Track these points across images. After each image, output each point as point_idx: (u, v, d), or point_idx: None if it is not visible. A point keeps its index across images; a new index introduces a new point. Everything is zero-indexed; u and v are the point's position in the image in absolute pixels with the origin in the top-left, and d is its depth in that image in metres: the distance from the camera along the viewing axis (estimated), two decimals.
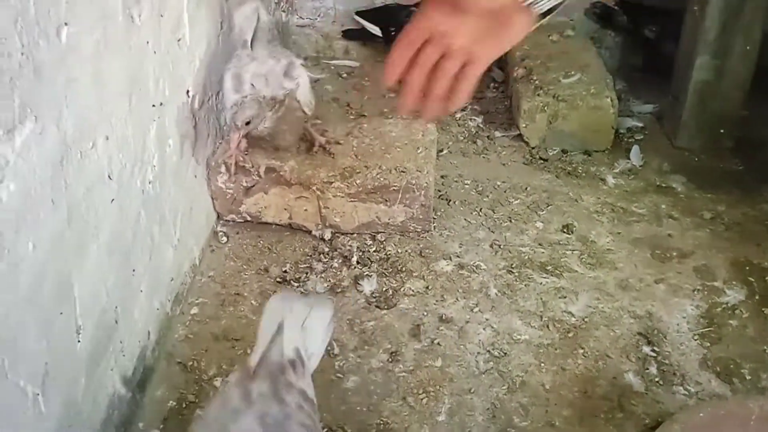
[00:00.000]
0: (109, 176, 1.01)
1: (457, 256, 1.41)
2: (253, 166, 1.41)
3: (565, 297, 1.32)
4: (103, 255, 1.02)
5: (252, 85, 1.32)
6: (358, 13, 1.96)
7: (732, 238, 1.44)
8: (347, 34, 2.02)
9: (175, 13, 1.23)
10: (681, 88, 1.64)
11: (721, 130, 1.65)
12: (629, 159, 1.66)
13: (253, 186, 1.42)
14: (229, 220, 1.47)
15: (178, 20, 1.25)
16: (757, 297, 1.31)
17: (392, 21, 1.89)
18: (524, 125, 1.69)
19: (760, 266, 1.37)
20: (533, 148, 1.70)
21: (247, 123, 1.30)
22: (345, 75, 2.03)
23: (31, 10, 0.78)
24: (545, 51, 1.81)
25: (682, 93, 1.63)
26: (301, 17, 2.03)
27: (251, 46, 1.41)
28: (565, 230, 1.47)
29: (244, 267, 1.38)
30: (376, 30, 1.92)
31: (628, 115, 1.80)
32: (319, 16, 2.03)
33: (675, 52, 1.70)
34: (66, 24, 0.87)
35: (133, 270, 1.11)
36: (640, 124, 1.77)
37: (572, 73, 1.69)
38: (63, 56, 0.86)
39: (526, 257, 1.41)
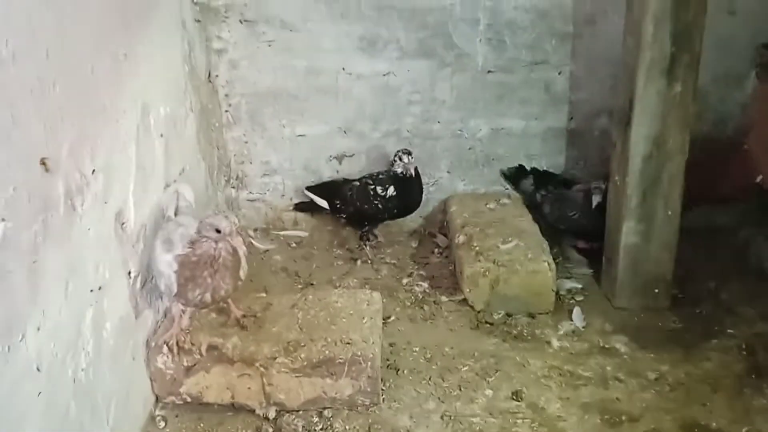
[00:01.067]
0: (37, 368, 0.98)
1: (408, 431, 1.37)
2: (194, 345, 1.38)
3: None
4: None
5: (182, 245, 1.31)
6: (308, 188, 2.05)
7: (678, 398, 1.44)
8: (299, 207, 2.10)
9: (119, 198, 1.26)
10: (613, 251, 1.72)
11: (656, 290, 1.71)
12: (572, 320, 1.69)
13: (194, 365, 1.38)
14: (168, 403, 1.41)
15: (123, 205, 1.28)
16: None
17: (337, 194, 1.98)
18: (468, 290, 1.73)
19: (708, 427, 1.36)
20: (479, 312, 1.73)
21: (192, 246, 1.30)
22: (294, 245, 2.08)
23: None
24: (483, 218, 1.90)
25: (614, 255, 1.71)
26: (251, 192, 2.11)
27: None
28: (514, 397, 1.45)
29: None
30: (323, 203, 2.00)
31: (567, 276, 1.86)
32: (268, 191, 2.10)
33: (555, 217, 1.90)
34: (3, 220, 0.89)
35: None
36: (580, 285, 1.82)
37: (510, 239, 1.77)
38: None
39: (478, 428, 1.37)
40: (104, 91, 1.20)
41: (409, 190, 1.91)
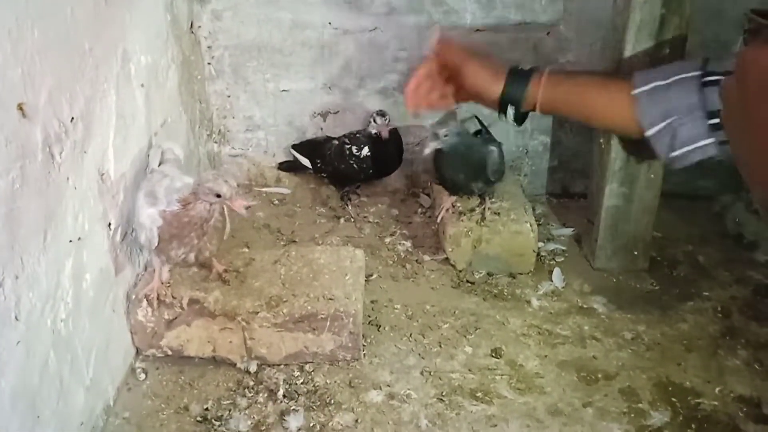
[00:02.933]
0: (16, 317, 0.97)
1: (388, 386, 1.39)
2: (175, 298, 1.38)
3: (496, 425, 1.30)
4: (5, 401, 0.95)
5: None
6: (294, 147, 2.02)
7: (653, 358, 1.47)
8: (282, 166, 2.08)
9: (99, 149, 1.24)
10: (594, 213, 1.73)
11: (635, 252, 1.73)
12: (552, 281, 1.71)
13: (175, 318, 1.38)
14: (148, 356, 1.41)
15: (103, 156, 1.26)
16: (680, 418, 1.32)
17: (318, 153, 1.96)
18: (450, 249, 1.73)
19: (682, 386, 1.40)
20: (460, 271, 1.74)
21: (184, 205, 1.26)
22: (276, 202, 2.06)
23: None
24: None
25: (596, 218, 1.72)
26: (233, 147, 2.08)
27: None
28: (493, 354, 1.48)
29: (163, 406, 1.31)
30: (306, 162, 1.98)
31: (549, 238, 1.87)
32: (251, 146, 2.08)
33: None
34: None
35: (38, 416, 1.04)
36: (561, 247, 1.84)
37: (493, 200, 1.77)
38: None
39: (457, 384, 1.39)
40: (84, 36, 1.16)
41: (384, 151, 1.89)
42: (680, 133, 1.19)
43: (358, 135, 1.92)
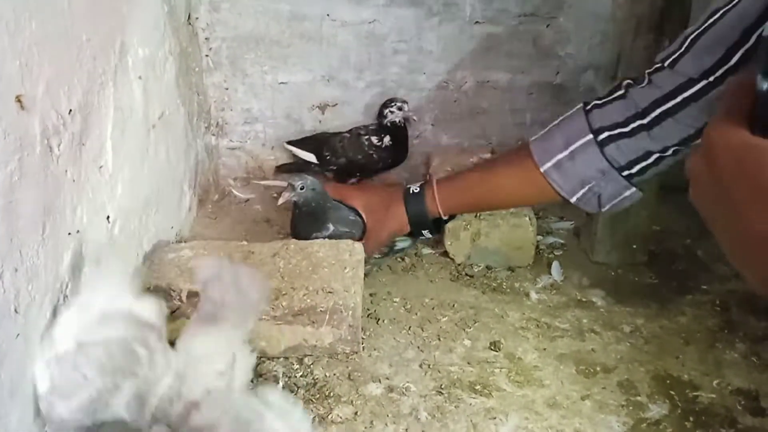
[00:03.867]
0: (15, 310, 0.97)
1: (387, 378, 1.39)
2: (174, 291, 1.38)
3: (494, 418, 1.30)
4: (4, 395, 0.95)
5: None
6: (289, 143, 1.99)
7: (652, 351, 1.47)
8: (282, 169, 2.04)
9: (97, 141, 1.23)
10: None
11: (634, 246, 1.74)
12: (551, 274, 1.71)
13: (175, 311, 1.38)
14: None
15: (101, 148, 1.25)
16: (679, 411, 1.33)
17: (326, 146, 1.94)
18: (449, 242, 1.73)
19: (680, 379, 1.40)
20: (459, 264, 1.74)
21: None
22: (275, 195, 2.05)
23: None
24: None
25: None
26: (231, 140, 2.07)
27: None
28: (492, 347, 1.48)
29: None
30: (311, 157, 1.95)
31: (548, 231, 1.87)
32: (249, 139, 2.07)
33: None
34: None
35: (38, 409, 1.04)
36: (560, 241, 1.84)
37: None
38: None
39: (456, 377, 1.40)
40: (81, 28, 1.15)
41: (402, 139, 1.91)
42: (603, 193, 1.26)
43: (372, 126, 1.91)
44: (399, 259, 1.77)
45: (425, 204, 1.31)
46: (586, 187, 1.24)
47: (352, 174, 1.99)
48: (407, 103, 1.88)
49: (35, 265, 1.02)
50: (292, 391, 1.34)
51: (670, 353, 1.47)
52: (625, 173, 1.21)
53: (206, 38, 1.94)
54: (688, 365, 1.44)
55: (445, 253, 1.76)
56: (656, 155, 1.20)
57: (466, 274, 1.71)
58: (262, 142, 2.08)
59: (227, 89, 2.00)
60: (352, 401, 1.33)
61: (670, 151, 1.19)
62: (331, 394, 1.34)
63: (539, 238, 1.79)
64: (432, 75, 2.00)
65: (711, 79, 1.07)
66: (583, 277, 1.71)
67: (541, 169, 1.24)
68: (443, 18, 1.93)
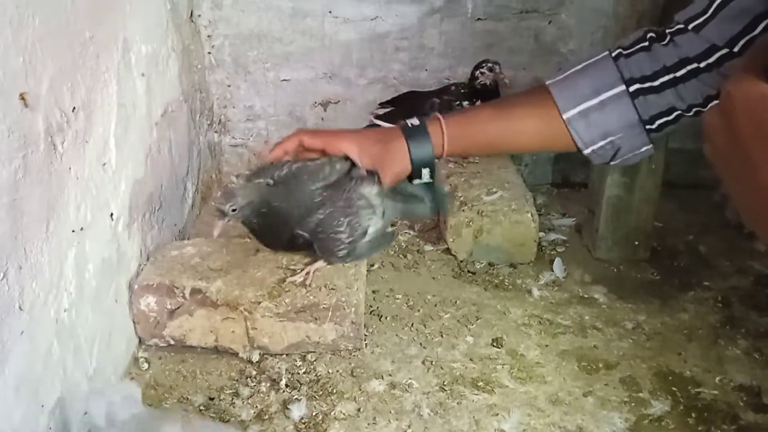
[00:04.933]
0: (19, 307, 0.97)
1: (389, 375, 1.39)
2: (177, 288, 1.38)
3: (497, 414, 1.30)
4: (9, 391, 0.96)
5: None
6: (377, 117, 1.89)
7: (654, 347, 1.47)
8: None
9: (101, 138, 1.23)
10: (595, 203, 1.73)
11: (636, 242, 1.74)
12: (553, 271, 1.71)
13: (178, 308, 1.38)
14: (151, 345, 1.42)
15: (104, 145, 1.25)
16: (681, 407, 1.33)
17: (416, 112, 1.78)
18: (451, 239, 1.73)
19: (682, 375, 1.40)
20: (461, 261, 1.74)
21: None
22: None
23: None
24: (469, 169, 1.89)
25: (597, 207, 1.72)
26: (234, 137, 2.07)
27: None
28: (494, 344, 1.48)
29: (166, 395, 1.31)
30: None
31: (550, 228, 1.87)
32: (251, 136, 2.07)
33: None
34: None
35: (42, 405, 1.04)
36: (562, 237, 1.84)
37: (494, 190, 1.77)
38: None
39: (458, 373, 1.40)
40: (84, 25, 1.15)
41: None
42: (622, 148, 1.19)
43: (462, 90, 1.84)
44: (401, 256, 1.77)
45: (429, 139, 1.20)
46: (608, 140, 1.17)
47: None
48: (499, 64, 1.82)
49: (39, 262, 1.02)
50: (295, 388, 1.34)
51: (672, 349, 1.47)
52: (649, 127, 1.16)
53: (209, 35, 1.94)
54: (690, 361, 1.44)
55: (448, 250, 1.76)
56: (677, 113, 1.17)
57: (469, 271, 1.72)
58: (264, 139, 2.08)
59: (230, 86, 2.01)
60: (355, 398, 1.33)
61: (692, 111, 1.17)
62: (334, 390, 1.35)
63: (541, 234, 1.79)
64: (434, 71, 2.00)
65: (735, 49, 1.06)
66: (585, 273, 1.71)
67: (564, 116, 1.17)
68: (445, 14, 1.93)
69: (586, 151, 1.22)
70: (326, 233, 1.18)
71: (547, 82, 1.18)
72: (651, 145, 1.18)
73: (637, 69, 1.17)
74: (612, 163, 1.23)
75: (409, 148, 1.17)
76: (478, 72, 1.83)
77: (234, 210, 1.15)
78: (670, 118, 1.19)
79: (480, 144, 1.25)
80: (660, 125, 1.19)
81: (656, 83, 1.14)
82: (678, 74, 1.13)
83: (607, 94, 1.17)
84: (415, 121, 1.20)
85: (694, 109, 1.16)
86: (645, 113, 1.15)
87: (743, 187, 0.51)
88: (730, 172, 0.52)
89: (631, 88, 1.16)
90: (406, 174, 1.24)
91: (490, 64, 1.81)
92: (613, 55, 1.20)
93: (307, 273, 1.42)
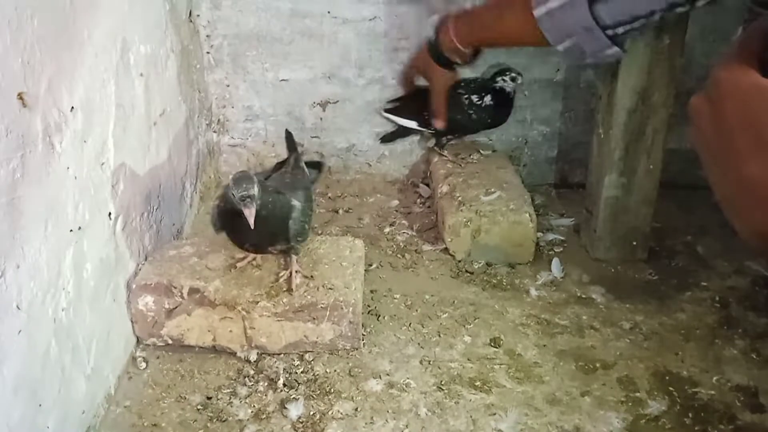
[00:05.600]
0: (17, 306, 0.97)
1: (387, 374, 1.40)
2: (176, 287, 1.38)
3: (494, 414, 1.31)
4: (7, 391, 0.96)
5: None
6: (387, 111, 1.88)
7: (651, 347, 1.48)
8: (385, 139, 1.96)
9: (99, 138, 1.24)
10: (593, 203, 1.74)
11: (634, 242, 1.74)
12: (551, 271, 1.71)
13: (176, 308, 1.39)
14: (149, 345, 1.42)
15: (103, 145, 1.26)
16: (678, 407, 1.33)
17: (427, 106, 1.73)
18: (450, 239, 1.74)
19: (679, 375, 1.41)
20: (459, 261, 1.74)
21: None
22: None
23: None
24: (467, 169, 1.89)
25: (595, 208, 1.72)
26: (232, 137, 2.08)
27: None
28: (492, 344, 1.48)
29: (164, 395, 1.32)
30: (412, 123, 1.85)
31: (548, 228, 1.88)
32: (250, 136, 2.07)
33: None
34: None
35: (40, 404, 1.04)
36: (560, 237, 1.84)
37: (492, 190, 1.77)
38: None
39: (456, 373, 1.40)
40: (82, 25, 1.16)
41: (505, 103, 1.84)
42: (586, 48, 1.26)
43: (472, 84, 1.84)
44: (399, 256, 1.78)
45: (439, 31, 1.45)
46: (571, 40, 1.24)
47: (450, 132, 1.89)
48: (521, 76, 1.83)
49: (37, 261, 1.02)
50: (293, 387, 1.34)
51: (669, 350, 1.47)
52: (610, 32, 1.20)
53: (207, 35, 1.94)
54: (688, 362, 1.44)
55: (446, 250, 1.77)
56: (642, 20, 1.20)
57: (467, 271, 1.72)
58: (263, 139, 2.08)
59: (228, 86, 2.01)
60: (352, 397, 1.34)
61: (656, 16, 1.20)
62: (332, 390, 1.35)
63: (539, 234, 1.79)
64: None
65: None
66: (583, 273, 1.71)
67: (534, 13, 1.24)
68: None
69: (559, 48, 1.29)
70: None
71: None
72: (616, 48, 1.22)
73: None
74: (588, 61, 1.29)
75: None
76: (500, 78, 1.83)
77: (258, 193, 1.22)
78: (635, 26, 1.22)
79: (481, 36, 1.39)
80: (626, 32, 1.22)
81: None
82: None
83: None
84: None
85: (659, 14, 1.18)
86: (606, 19, 1.19)
87: (725, 176, 0.49)
88: (712, 159, 0.51)
89: None
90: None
91: (513, 74, 1.82)
92: None
93: (291, 273, 1.43)
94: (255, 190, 1.21)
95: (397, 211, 1.98)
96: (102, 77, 1.24)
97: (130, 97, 1.38)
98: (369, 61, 1.98)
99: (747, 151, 0.46)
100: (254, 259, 1.45)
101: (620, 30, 1.21)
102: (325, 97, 2.03)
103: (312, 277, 1.45)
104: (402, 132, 1.92)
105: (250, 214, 1.20)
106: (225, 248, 1.49)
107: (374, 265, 1.73)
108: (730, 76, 0.48)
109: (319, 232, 1.86)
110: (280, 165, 1.58)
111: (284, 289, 1.41)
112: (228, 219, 1.32)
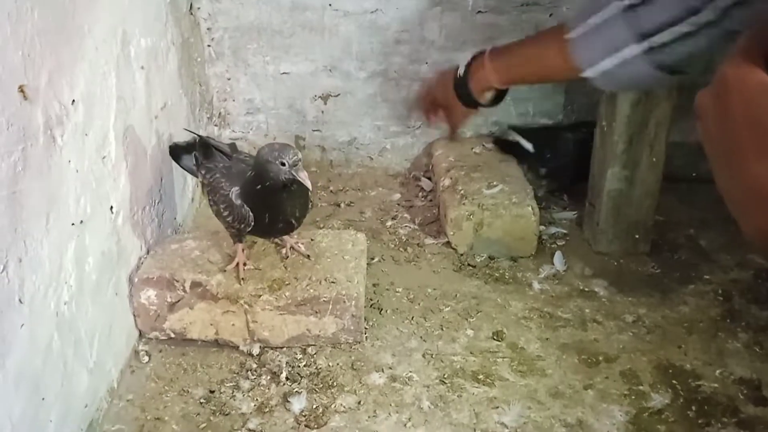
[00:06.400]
0: (19, 300, 0.97)
1: (390, 368, 1.39)
2: (178, 281, 1.38)
3: (497, 407, 1.31)
4: (9, 384, 0.96)
5: None
6: (512, 127, 1.97)
7: (654, 341, 1.48)
8: (498, 143, 1.99)
9: (100, 131, 1.23)
10: (596, 196, 1.73)
11: (637, 235, 1.73)
12: (553, 264, 1.71)
13: (178, 301, 1.38)
14: (151, 338, 1.42)
15: (104, 139, 1.25)
16: (681, 400, 1.33)
17: (550, 144, 1.89)
18: (452, 233, 1.73)
19: (683, 368, 1.40)
20: (462, 254, 1.74)
21: None
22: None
23: None
24: (469, 162, 1.89)
25: (598, 201, 1.72)
26: (233, 131, 2.07)
27: None
28: (495, 337, 1.48)
29: (166, 388, 1.32)
30: (529, 146, 1.91)
31: (550, 222, 1.87)
32: (251, 129, 2.07)
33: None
34: None
35: (43, 398, 1.04)
36: (563, 231, 1.84)
37: (495, 183, 1.77)
38: None
39: (458, 366, 1.40)
40: (83, 18, 1.15)
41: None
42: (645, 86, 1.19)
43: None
44: (402, 250, 1.77)
45: (470, 67, 1.29)
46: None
47: (570, 179, 1.92)
48: None
49: (39, 255, 1.02)
50: (295, 381, 1.34)
51: (672, 343, 1.47)
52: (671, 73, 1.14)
53: (208, 28, 1.93)
54: (691, 355, 1.44)
55: (448, 244, 1.76)
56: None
57: (469, 265, 1.71)
58: (264, 133, 2.07)
59: (229, 80, 2.00)
60: (355, 391, 1.34)
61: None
62: (335, 383, 1.35)
63: (542, 228, 1.79)
64: (434, 65, 1.99)
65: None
66: (585, 267, 1.71)
67: (584, 75, 1.18)
68: (446, 8, 1.92)
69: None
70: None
71: (565, 37, 1.15)
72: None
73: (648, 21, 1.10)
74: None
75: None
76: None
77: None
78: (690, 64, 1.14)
79: (517, 73, 1.28)
80: (685, 68, 1.14)
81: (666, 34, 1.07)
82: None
83: (623, 54, 1.12)
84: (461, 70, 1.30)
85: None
86: (668, 61, 1.10)
87: (730, 174, 0.49)
88: (718, 155, 0.50)
89: (627, 3, 1.09)
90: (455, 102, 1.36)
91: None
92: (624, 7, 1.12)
93: (293, 246, 1.48)
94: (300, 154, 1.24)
95: (399, 204, 1.97)
96: (103, 70, 1.24)
97: (131, 90, 1.38)
98: (370, 54, 1.97)
99: (753, 150, 0.46)
100: (245, 264, 1.43)
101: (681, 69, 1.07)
102: (326, 90, 2.02)
103: (309, 257, 1.46)
104: (516, 148, 1.94)
105: (305, 177, 1.21)
106: (226, 241, 1.49)
107: (376, 259, 1.73)
108: (738, 74, 0.48)
109: (321, 225, 1.86)
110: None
111: (303, 257, 1.46)
112: (265, 200, 1.29)
